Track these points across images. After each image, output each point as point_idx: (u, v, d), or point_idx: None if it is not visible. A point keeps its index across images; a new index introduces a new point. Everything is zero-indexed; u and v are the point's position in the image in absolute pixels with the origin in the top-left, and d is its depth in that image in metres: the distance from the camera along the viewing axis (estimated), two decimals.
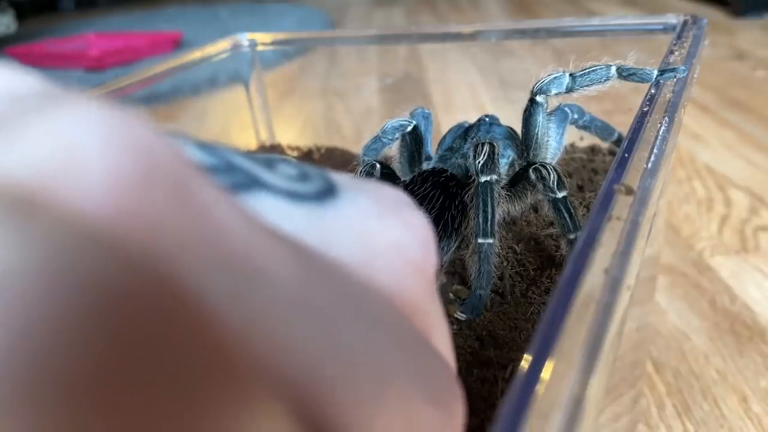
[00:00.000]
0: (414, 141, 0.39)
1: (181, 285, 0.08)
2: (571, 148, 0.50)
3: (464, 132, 0.41)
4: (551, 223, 0.36)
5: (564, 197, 0.31)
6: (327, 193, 0.13)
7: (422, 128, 0.40)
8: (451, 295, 0.33)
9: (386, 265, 0.12)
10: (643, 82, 0.32)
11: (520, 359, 0.13)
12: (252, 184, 0.12)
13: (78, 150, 0.08)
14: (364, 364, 0.10)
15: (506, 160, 0.38)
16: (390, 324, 0.12)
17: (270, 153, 0.59)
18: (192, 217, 0.09)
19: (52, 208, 0.07)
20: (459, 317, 0.31)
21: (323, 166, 0.14)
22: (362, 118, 0.86)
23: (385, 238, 0.13)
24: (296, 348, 0.09)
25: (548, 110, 0.37)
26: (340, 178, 0.14)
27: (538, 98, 0.36)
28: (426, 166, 0.39)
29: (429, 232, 0.14)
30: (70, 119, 0.08)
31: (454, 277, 0.34)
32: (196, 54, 0.54)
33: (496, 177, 0.32)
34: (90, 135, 0.08)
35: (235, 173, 0.12)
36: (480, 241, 0.31)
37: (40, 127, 0.08)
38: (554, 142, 0.38)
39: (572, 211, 0.31)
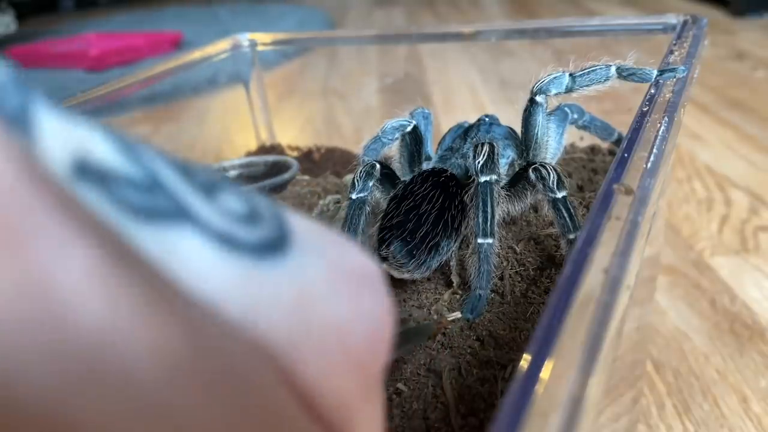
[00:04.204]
0: (414, 141, 0.39)
1: None
2: (571, 148, 0.50)
3: (464, 132, 0.41)
4: (551, 223, 0.36)
5: (564, 197, 0.31)
6: (273, 246, 0.10)
7: (422, 128, 0.40)
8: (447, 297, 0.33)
9: (318, 352, 0.10)
10: (642, 82, 0.32)
11: (520, 359, 0.13)
12: (177, 214, 0.09)
13: None
14: None
15: (506, 160, 0.38)
16: None
17: (270, 153, 0.59)
18: (20, 285, 0.06)
19: None
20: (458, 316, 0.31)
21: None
22: (362, 118, 0.86)
23: (327, 319, 0.10)
24: None
25: (548, 110, 0.37)
26: (303, 226, 0.11)
27: (538, 98, 0.36)
28: (426, 166, 0.39)
29: (387, 322, 0.11)
30: None
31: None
32: (196, 54, 0.54)
33: (495, 177, 0.32)
34: None
35: (159, 195, 0.09)
36: (480, 241, 0.31)
37: None
38: (554, 142, 0.38)
39: (572, 211, 0.31)
